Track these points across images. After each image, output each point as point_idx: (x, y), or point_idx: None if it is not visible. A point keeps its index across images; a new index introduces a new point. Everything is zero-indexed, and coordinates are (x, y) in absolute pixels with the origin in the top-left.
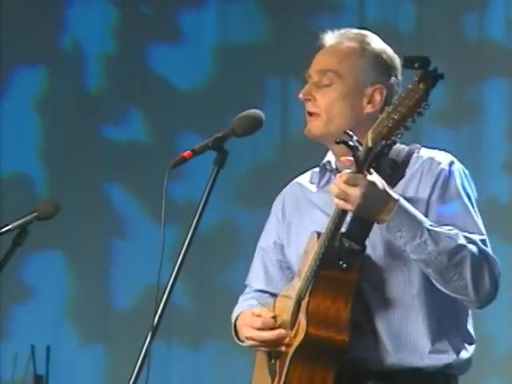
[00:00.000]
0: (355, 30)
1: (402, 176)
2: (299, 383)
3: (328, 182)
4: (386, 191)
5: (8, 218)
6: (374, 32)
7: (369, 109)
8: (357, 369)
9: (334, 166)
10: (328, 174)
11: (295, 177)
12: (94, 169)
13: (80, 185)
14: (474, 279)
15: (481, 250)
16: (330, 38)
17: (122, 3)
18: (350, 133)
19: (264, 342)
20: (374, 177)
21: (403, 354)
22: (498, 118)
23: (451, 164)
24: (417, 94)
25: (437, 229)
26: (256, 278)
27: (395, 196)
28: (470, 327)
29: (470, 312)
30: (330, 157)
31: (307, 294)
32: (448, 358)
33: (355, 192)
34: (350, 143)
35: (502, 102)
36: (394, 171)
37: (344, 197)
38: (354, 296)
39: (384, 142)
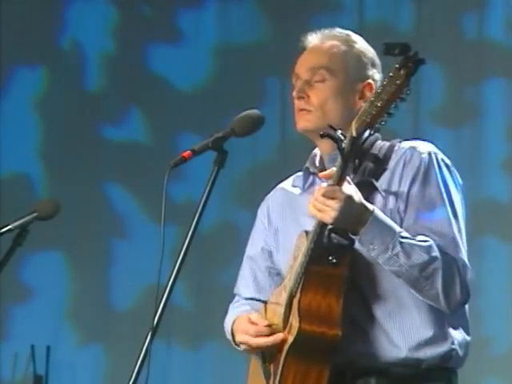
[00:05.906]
0: (339, 30)
1: (385, 169)
2: (295, 379)
3: (312, 184)
4: (361, 203)
5: (8, 218)
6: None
7: (361, 104)
8: (357, 367)
9: (317, 165)
10: (311, 176)
11: None
12: (93, 169)
13: (80, 185)
14: (445, 290)
15: (454, 259)
16: (314, 39)
17: (122, 3)
18: (335, 126)
19: (258, 348)
20: (351, 189)
21: (412, 344)
22: (497, 118)
23: (431, 154)
24: (398, 80)
25: (410, 241)
26: (245, 286)
27: (370, 207)
28: (467, 313)
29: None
30: (314, 157)
31: (298, 291)
32: (449, 344)
33: (332, 205)
34: (335, 136)
35: (501, 102)
36: (377, 165)
37: (321, 209)
38: (344, 291)
39: (368, 131)
